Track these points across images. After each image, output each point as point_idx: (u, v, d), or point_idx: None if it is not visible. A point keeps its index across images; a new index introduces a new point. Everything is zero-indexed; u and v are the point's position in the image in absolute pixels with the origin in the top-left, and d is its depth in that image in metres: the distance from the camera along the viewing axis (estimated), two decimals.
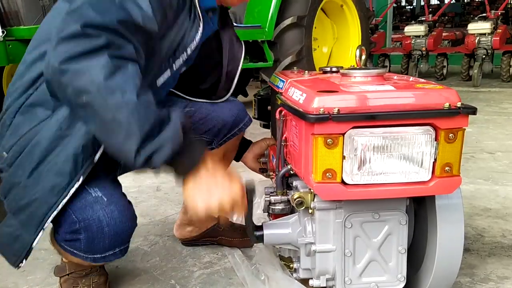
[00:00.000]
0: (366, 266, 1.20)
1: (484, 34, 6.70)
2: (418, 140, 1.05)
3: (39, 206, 1.16)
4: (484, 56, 6.67)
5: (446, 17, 15.01)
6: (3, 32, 3.00)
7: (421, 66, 7.42)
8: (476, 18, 7.33)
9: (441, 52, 7.50)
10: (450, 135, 1.04)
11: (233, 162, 1.79)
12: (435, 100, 1.04)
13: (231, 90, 1.61)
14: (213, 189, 1.09)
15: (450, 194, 1.15)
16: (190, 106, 1.57)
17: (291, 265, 1.30)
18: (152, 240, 1.89)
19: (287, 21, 4.03)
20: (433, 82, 1.18)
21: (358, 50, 1.31)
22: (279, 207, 1.29)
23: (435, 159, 1.06)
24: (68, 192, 1.15)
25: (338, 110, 1.01)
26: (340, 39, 4.82)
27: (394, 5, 13.00)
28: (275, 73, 1.64)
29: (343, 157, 1.05)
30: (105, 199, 1.20)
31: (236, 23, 4.27)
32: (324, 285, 1.21)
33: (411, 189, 1.08)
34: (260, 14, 4.04)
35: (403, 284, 1.20)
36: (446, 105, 1.02)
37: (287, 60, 4.01)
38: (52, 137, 1.14)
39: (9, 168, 1.20)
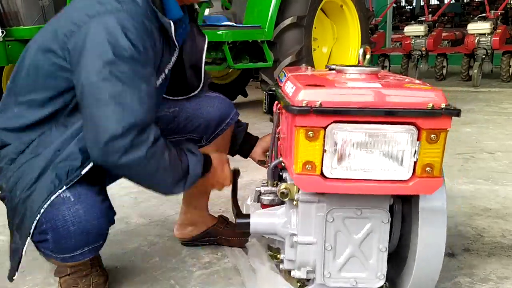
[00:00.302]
0: (346, 261, 1.20)
1: (484, 34, 6.70)
2: (399, 139, 1.05)
3: (28, 217, 1.24)
4: (483, 56, 6.67)
5: (446, 17, 15.01)
6: (2, 32, 3.00)
7: (421, 66, 7.42)
8: (475, 18, 7.33)
9: (441, 52, 7.50)
10: (432, 135, 1.04)
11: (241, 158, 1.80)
12: (419, 99, 1.04)
13: (202, 81, 1.63)
14: (213, 182, 1.52)
15: (434, 198, 1.15)
16: (175, 106, 1.61)
17: (278, 256, 1.32)
18: (152, 241, 1.89)
19: (287, 21, 4.03)
20: (425, 83, 1.17)
21: (362, 49, 1.31)
22: (268, 197, 1.31)
23: (417, 159, 1.06)
24: (49, 199, 1.23)
25: (320, 103, 1.03)
26: (340, 39, 4.82)
27: (394, 5, 13.00)
28: (284, 69, 1.66)
29: (324, 151, 1.06)
30: (72, 199, 1.25)
31: (236, 23, 4.27)
32: (305, 277, 1.22)
33: (391, 187, 1.08)
34: (260, 14, 4.04)
35: (382, 283, 1.21)
36: (430, 105, 1.02)
37: (287, 60, 4.01)
38: (50, 159, 1.26)
39: (9, 194, 1.30)
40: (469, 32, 6.87)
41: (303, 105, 1.03)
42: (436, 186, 1.08)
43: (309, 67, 1.51)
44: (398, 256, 1.29)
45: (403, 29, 7.87)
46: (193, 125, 1.60)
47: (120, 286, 1.55)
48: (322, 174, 1.08)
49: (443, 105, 1.02)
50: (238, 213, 1.36)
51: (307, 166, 1.07)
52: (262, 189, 1.32)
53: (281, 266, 1.30)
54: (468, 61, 7.07)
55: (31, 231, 1.24)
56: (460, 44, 8.14)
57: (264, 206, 1.34)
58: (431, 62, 7.63)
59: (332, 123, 1.04)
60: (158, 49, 1.32)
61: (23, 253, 1.25)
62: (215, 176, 1.48)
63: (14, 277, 1.29)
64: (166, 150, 1.25)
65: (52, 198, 1.23)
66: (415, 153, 1.06)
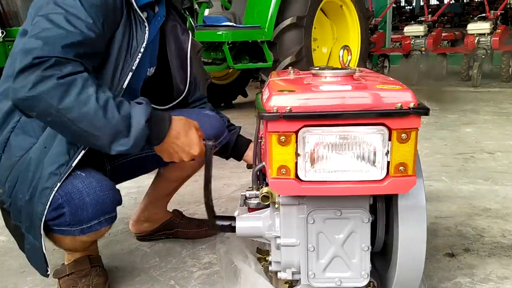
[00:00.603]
0: (330, 261, 1.22)
1: (484, 34, 6.70)
2: (370, 140, 1.07)
3: (37, 214, 1.26)
4: (483, 56, 6.67)
5: (446, 17, 15.00)
6: (2, 32, 3.00)
7: (421, 66, 7.42)
8: (475, 18, 7.33)
9: (440, 52, 7.50)
10: (403, 135, 1.05)
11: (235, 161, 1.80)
12: (388, 100, 1.05)
13: (188, 80, 1.63)
14: (178, 150, 1.30)
15: (413, 195, 1.16)
16: None
17: (267, 258, 1.34)
18: (151, 241, 1.89)
19: (287, 22, 4.03)
20: (399, 83, 1.18)
21: (341, 50, 1.33)
22: (254, 201, 1.33)
23: (390, 159, 1.08)
24: (51, 193, 1.25)
25: (290, 109, 1.05)
26: (339, 40, 4.82)
27: (394, 5, 12.99)
28: (271, 73, 1.66)
29: (298, 154, 1.08)
30: (84, 174, 1.29)
31: (235, 23, 4.27)
32: (291, 278, 1.25)
33: (365, 187, 1.10)
34: (260, 15, 4.04)
35: (366, 281, 1.22)
36: (398, 105, 1.04)
37: (287, 61, 4.01)
38: (38, 157, 1.27)
39: (9, 198, 1.33)
40: (469, 32, 6.87)
41: (274, 111, 1.05)
42: (411, 185, 1.09)
43: (293, 71, 1.51)
44: (385, 254, 1.30)
45: (402, 29, 7.86)
46: None
47: (120, 287, 1.55)
48: (297, 177, 1.09)
49: (411, 105, 1.04)
50: (209, 212, 1.32)
51: (281, 170, 1.08)
52: (247, 194, 1.34)
53: (270, 268, 1.32)
54: (468, 61, 7.07)
55: (42, 224, 1.25)
56: (460, 44, 8.13)
57: (251, 210, 1.36)
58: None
59: (302, 127, 1.06)
60: (118, 11, 1.29)
61: (44, 249, 1.28)
62: (177, 142, 1.29)
63: (48, 272, 1.34)
64: (92, 87, 1.14)
65: (52, 195, 1.24)
66: (387, 153, 1.07)
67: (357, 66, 1.62)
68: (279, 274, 1.27)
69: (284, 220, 1.21)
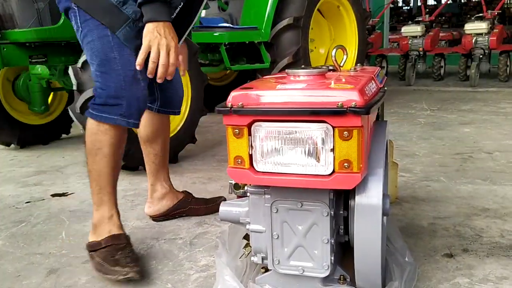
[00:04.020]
0: (294, 250, 1.27)
1: (481, 34, 6.70)
2: (314, 136, 1.11)
3: None
4: (481, 56, 6.68)
5: (443, 18, 15.02)
6: None
7: (419, 66, 7.42)
8: (472, 18, 7.33)
9: (438, 53, 7.50)
10: (344, 133, 1.08)
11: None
12: (330, 99, 1.09)
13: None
14: (157, 39, 1.44)
15: (368, 195, 1.18)
16: None
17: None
18: (148, 244, 1.88)
19: (284, 22, 4.02)
20: (357, 83, 1.18)
21: (334, 50, 1.36)
22: (240, 190, 1.44)
23: (334, 155, 1.12)
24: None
25: (242, 104, 1.14)
26: (337, 40, 4.81)
27: (391, 5, 13.00)
28: (272, 73, 1.68)
29: (252, 146, 1.15)
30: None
31: (232, 24, 4.27)
32: (260, 262, 1.32)
33: (311, 181, 1.14)
34: (257, 16, 4.04)
35: (327, 273, 1.25)
36: (339, 104, 1.06)
37: (284, 61, 4.00)
38: None
39: None
40: (466, 32, 6.88)
41: (228, 106, 1.15)
42: (355, 182, 1.12)
43: (287, 71, 1.53)
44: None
45: (400, 30, 7.86)
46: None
47: None
48: (253, 167, 1.17)
49: (353, 104, 1.06)
50: None
51: (237, 160, 1.17)
52: (233, 182, 1.43)
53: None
54: (466, 61, 7.06)
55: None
56: (457, 44, 8.13)
57: (238, 197, 1.46)
58: (428, 62, 7.62)
59: (253, 122, 1.14)
60: None
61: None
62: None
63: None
64: None
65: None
66: (332, 149, 1.10)
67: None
68: (252, 258, 1.34)
69: (253, 207, 1.30)
